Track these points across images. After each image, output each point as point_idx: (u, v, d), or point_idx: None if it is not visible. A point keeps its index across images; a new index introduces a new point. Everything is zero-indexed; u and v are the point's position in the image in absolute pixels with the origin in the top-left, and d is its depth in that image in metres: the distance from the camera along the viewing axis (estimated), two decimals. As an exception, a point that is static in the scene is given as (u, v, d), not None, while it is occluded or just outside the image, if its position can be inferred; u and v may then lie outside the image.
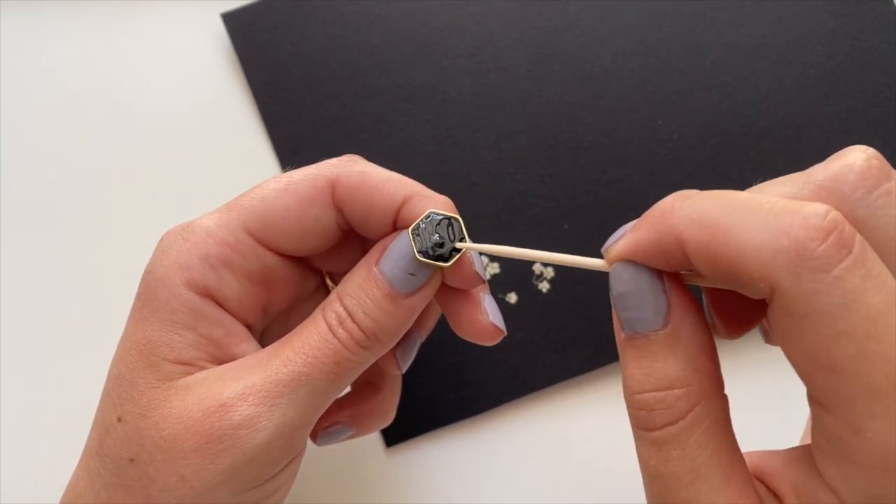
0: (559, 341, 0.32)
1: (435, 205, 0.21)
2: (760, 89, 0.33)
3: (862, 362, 0.14)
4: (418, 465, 0.32)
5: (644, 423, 0.18)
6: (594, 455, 0.32)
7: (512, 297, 0.32)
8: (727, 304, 0.19)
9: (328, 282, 0.26)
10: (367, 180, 0.22)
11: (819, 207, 0.15)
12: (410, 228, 0.21)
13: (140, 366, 0.21)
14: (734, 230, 0.15)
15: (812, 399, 0.16)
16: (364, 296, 0.21)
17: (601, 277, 0.33)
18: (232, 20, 0.34)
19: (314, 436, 0.24)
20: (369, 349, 0.21)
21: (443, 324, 0.32)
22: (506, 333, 0.23)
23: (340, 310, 0.21)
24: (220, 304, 0.22)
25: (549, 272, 0.32)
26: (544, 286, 0.32)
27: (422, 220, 0.21)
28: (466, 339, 0.23)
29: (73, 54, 0.35)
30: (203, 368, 0.21)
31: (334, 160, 0.22)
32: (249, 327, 0.23)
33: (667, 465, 0.17)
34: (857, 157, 0.16)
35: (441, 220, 0.21)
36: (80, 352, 0.33)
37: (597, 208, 0.32)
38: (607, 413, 0.32)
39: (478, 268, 0.22)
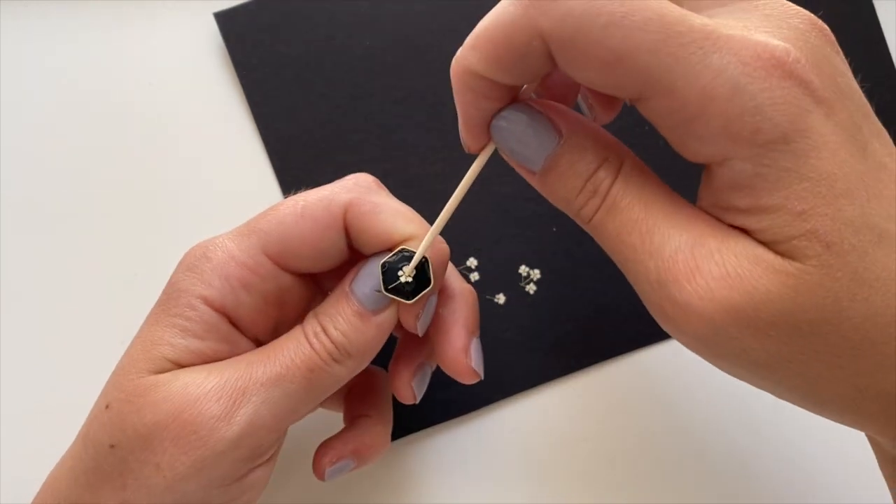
0: (547, 342, 0.32)
1: (428, 249, 0.22)
2: (745, 97, 0.34)
3: (631, 36, 0.16)
4: (406, 464, 0.32)
5: (594, 206, 0.20)
6: (581, 453, 0.32)
7: (500, 298, 0.33)
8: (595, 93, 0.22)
9: None
10: (378, 212, 0.23)
11: None
12: (383, 260, 0.22)
13: (139, 358, 0.22)
14: (490, 23, 0.18)
15: (639, 106, 0.18)
16: (336, 313, 0.22)
17: (585, 279, 0.33)
18: (224, 19, 0.34)
19: (321, 472, 0.26)
20: (341, 363, 0.22)
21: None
22: (482, 378, 0.25)
23: (315, 325, 0.22)
24: (233, 322, 0.23)
25: (536, 274, 0.33)
26: (531, 288, 0.33)
27: (393, 254, 0.22)
28: (446, 371, 0.25)
29: (66, 54, 0.35)
30: None
31: (349, 183, 0.23)
32: (259, 343, 0.24)
33: (622, 216, 0.19)
34: None
35: (411, 259, 0.22)
36: (81, 352, 0.32)
37: (585, 211, 0.33)
38: (595, 412, 0.32)
39: (420, 321, 0.23)
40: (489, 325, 0.32)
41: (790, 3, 0.18)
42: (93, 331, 0.33)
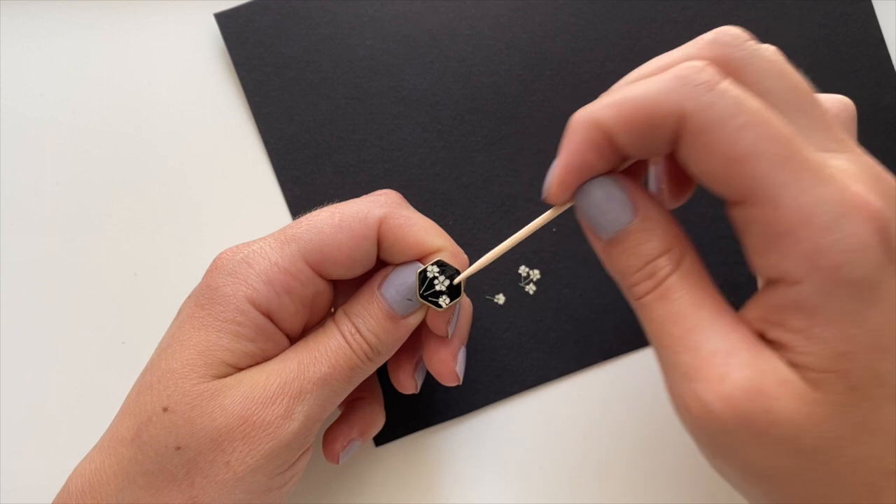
0: (546, 341, 0.32)
1: (456, 261, 0.25)
2: (745, 97, 0.34)
3: (761, 143, 0.18)
4: (407, 464, 0.32)
5: (647, 288, 0.21)
6: (581, 453, 0.32)
7: (500, 299, 0.33)
8: (669, 176, 0.24)
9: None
10: (411, 226, 0.25)
11: (694, 60, 0.19)
12: (420, 269, 0.24)
13: (197, 363, 0.23)
14: (637, 93, 0.19)
15: (736, 210, 0.19)
16: (369, 315, 0.25)
17: (585, 279, 0.33)
18: (225, 20, 0.34)
19: (335, 457, 0.28)
20: (373, 360, 0.25)
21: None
22: (461, 383, 0.27)
23: (350, 325, 0.25)
24: (276, 323, 0.25)
25: (536, 274, 0.33)
26: (531, 288, 0.33)
27: (432, 264, 0.24)
28: (431, 371, 0.27)
29: (67, 54, 0.35)
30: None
31: (381, 198, 0.26)
32: (291, 340, 0.26)
33: (671, 307, 0.20)
34: (729, 27, 0.20)
35: (449, 272, 0.25)
36: (81, 353, 0.33)
37: (585, 212, 0.33)
38: (595, 412, 0.32)
39: (451, 326, 0.26)
40: (489, 325, 0.32)
41: (884, 171, 0.20)
42: (93, 331, 0.33)
